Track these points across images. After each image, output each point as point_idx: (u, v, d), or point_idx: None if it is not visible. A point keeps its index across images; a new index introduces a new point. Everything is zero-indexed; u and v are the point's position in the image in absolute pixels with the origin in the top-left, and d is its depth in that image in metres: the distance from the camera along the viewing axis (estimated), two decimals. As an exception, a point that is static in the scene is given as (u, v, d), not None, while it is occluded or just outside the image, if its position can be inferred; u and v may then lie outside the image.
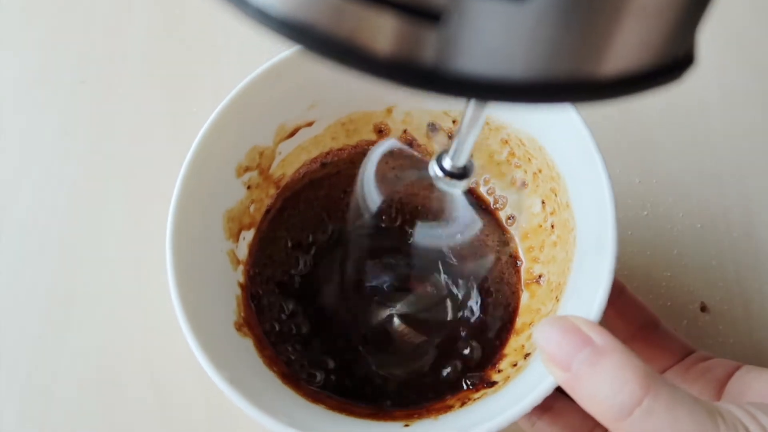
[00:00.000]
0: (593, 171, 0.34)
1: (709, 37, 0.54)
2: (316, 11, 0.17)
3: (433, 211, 0.43)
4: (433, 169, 0.29)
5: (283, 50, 0.37)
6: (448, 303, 0.42)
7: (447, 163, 0.29)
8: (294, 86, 0.39)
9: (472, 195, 0.43)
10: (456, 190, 0.30)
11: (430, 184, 0.30)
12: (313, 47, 0.17)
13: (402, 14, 0.16)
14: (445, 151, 0.29)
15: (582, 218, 0.36)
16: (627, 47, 0.17)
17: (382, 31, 0.17)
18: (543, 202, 0.40)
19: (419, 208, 0.43)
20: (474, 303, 0.41)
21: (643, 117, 0.51)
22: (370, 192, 0.37)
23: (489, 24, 0.16)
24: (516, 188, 0.42)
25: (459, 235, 0.40)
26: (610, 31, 0.17)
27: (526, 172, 0.41)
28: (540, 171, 0.39)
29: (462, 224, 0.38)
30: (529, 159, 0.40)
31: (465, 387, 0.38)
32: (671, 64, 0.19)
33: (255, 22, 0.17)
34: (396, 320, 0.41)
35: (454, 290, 0.42)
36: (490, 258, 0.42)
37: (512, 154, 0.41)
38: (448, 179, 0.29)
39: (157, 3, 0.56)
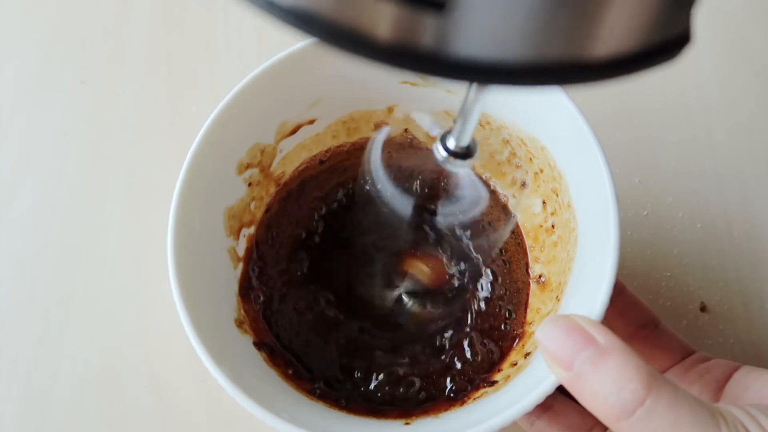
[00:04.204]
0: (595, 171, 0.34)
1: (709, 37, 0.54)
2: (321, 0, 0.17)
3: (440, 191, 0.43)
4: (438, 150, 0.30)
5: (283, 49, 0.37)
6: (456, 289, 0.42)
7: (451, 144, 0.29)
8: (296, 84, 0.39)
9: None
10: (461, 169, 0.30)
11: (435, 165, 0.30)
12: (319, 35, 0.17)
13: (407, 3, 0.17)
14: (448, 132, 0.29)
15: (584, 218, 0.36)
16: (620, 28, 0.18)
17: (386, 19, 0.17)
18: (544, 202, 0.40)
19: (426, 189, 0.43)
20: (483, 289, 0.41)
21: (643, 117, 0.51)
22: (377, 176, 0.37)
23: (488, 10, 0.17)
24: (517, 188, 0.42)
25: (467, 213, 0.40)
26: (604, 13, 0.17)
27: (527, 172, 0.41)
28: (541, 171, 0.39)
29: (469, 202, 0.38)
30: (531, 159, 0.40)
31: (465, 386, 0.38)
32: (666, 43, 0.19)
33: (263, 11, 0.18)
34: (403, 306, 0.41)
35: (462, 272, 0.42)
36: (502, 235, 0.42)
37: (513, 154, 0.41)
38: (452, 159, 0.29)
39: (157, 3, 0.56)
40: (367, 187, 0.38)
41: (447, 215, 0.42)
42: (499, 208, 0.43)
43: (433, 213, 0.43)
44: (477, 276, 0.42)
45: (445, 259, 0.42)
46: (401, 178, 0.42)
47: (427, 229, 0.43)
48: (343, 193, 0.44)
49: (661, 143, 0.50)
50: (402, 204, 0.39)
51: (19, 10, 0.56)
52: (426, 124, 0.43)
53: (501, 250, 0.42)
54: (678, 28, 0.19)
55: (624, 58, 0.18)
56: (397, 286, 0.42)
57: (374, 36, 0.17)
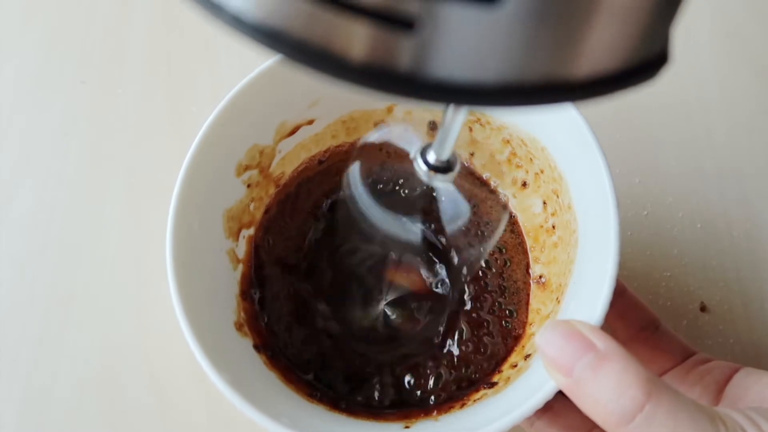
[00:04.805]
0: (596, 174, 0.34)
1: (708, 37, 0.54)
2: (290, 18, 0.17)
3: (421, 205, 0.43)
4: (418, 164, 0.29)
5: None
6: (444, 296, 0.42)
7: (431, 157, 0.29)
8: (295, 84, 0.39)
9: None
10: (441, 183, 0.30)
11: (416, 179, 0.30)
12: (288, 53, 0.17)
13: (375, 22, 0.16)
14: (428, 145, 0.29)
15: (584, 220, 0.36)
16: (599, 49, 0.18)
17: (356, 38, 0.17)
18: (544, 203, 0.40)
19: (408, 204, 0.43)
20: (483, 288, 0.41)
21: (643, 117, 0.51)
22: (359, 195, 0.37)
23: (461, 30, 0.16)
24: (517, 188, 0.42)
25: (449, 226, 0.40)
26: (581, 34, 0.17)
27: (527, 172, 0.41)
28: (542, 171, 0.39)
29: (450, 215, 0.38)
30: (531, 159, 0.40)
31: (465, 388, 0.39)
32: (645, 63, 0.19)
33: (230, 27, 0.17)
34: (393, 316, 0.41)
35: (448, 281, 0.42)
36: (497, 231, 0.42)
37: (513, 154, 0.41)
38: (432, 173, 0.29)
39: (157, 3, 0.56)
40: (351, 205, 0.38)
41: (434, 227, 0.42)
42: (495, 207, 0.43)
43: (422, 223, 0.43)
44: (477, 275, 0.42)
45: (440, 262, 0.42)
46: (383, 191, 0.42)
47: (422, 234, 0.42)
48: (341, 194, 0.44)
49: (661, 143, 0.50)
50: (388, 220, 0.39)
51: (19, 10, 0.56)
52: (405, 142, 0.42)
53: (500, 249, 0.42)
54: (656, 48, 0.19)
55: (603, 78, 0.18)
56: (399, 287, 0.42)
57: (346, 56, 0.17)
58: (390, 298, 0.42)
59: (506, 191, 0.43)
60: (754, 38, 0.54)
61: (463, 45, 0.16)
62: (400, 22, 0.16)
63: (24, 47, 0.54)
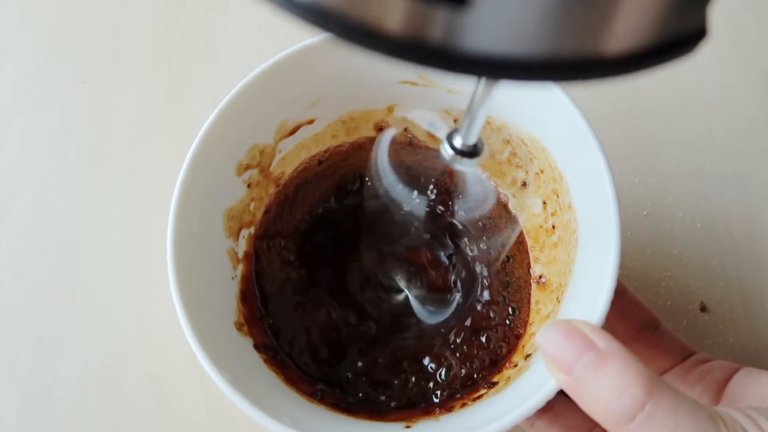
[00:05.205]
0: (597, 174, 0.34)
1: (709, 36, 0.54)
2: None
3: (445, 190, 0.43)
4: (445, 149, 0.29)
5: (283, 49, 0.37)
6: (459, 288, 0.42)
7: (458, 142, 0.29)
8: (295, 84, 0.39)
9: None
10: (468, 168, 0.29)
11: (439, 164, 0.30)
12: (334, 30, 0.17)
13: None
14: (455, 130, 0.29)
15: (585, 220, 0.35)
16: (635, 23, 0.18)
17: (396, 11, 0.17)
18: (544, 203, 0.40)
19: (432, 189, 0.43)
20: (485, 287, 0.41)
21: (643, 117, 0.51)
22: (386, 176, 0.36)
23: (507, 5, 0.16)
24: (517, 188, 0.42)
25: (474, 211, 0.40)
26: (619, 8, 0.17)
27: (527, 172, 0.41)
28: (542, 171, 0.39)
29: (475, 200, 0.38)
30: (531, 159, 0.40)
31: (467, 387, 0.39)
32: (682, 38, 0.19)
33: (280, 9, 0.18)
34: (404, 308, 0.41)
35: (466, 272, 0.42)
36: (508, 237, 0.42)
37: (514, 154, 0.41)
38: (459, 158, 0.29)
39: (157, 3, 0.56)
40: (372, 189, 0.38)
41: (456, 213, 0.41)
42: (505, 214, 0.43)
43: (441, 213, 0.42)
44: (479, 273, 0.42)
45: (446, 262, 0.42)
46: (406, 178, 0.42)
47: (431, 230, 0.42)
48: (341, 193, 0.44)
49: (662, 143, 0.50)
50: (409, 204, 0.39)
51: (19, 10, 0.56)
52: (426, 123, 0.42)
53: (502, 244, 0.42)
54: (694, 23, 0.19)
55: (640, 53, 0.18)
56: (400, 288, 0.42)
57: (387, 29, 0.17)
58: (395, 297, 0.42)
59: (506, 191, 0.43)
60: (754, 38, 0.54)
61: (504, 19, 0.17)
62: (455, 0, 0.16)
63: (24, 47, 0.54)
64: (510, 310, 0.41)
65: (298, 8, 0.17)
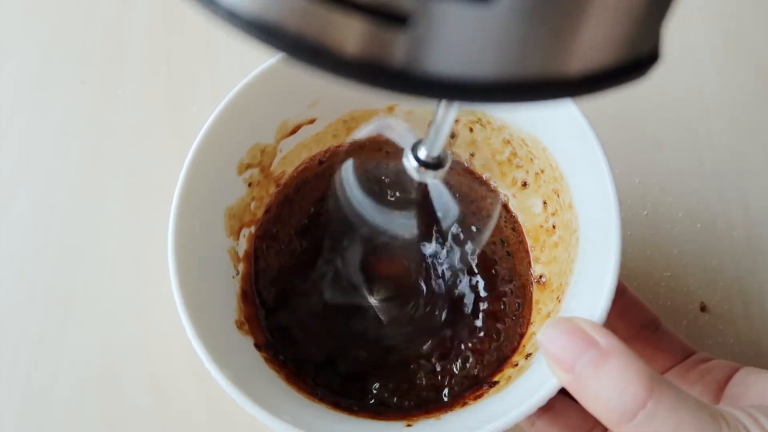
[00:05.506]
0: (597, 173, 0.34)
1: (708, 36, 0.54)
2: (284, 12, 0.17)
3: (411, 201, 0.43)
4: (409, 160, 0.29)
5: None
6: (458, 302, 0.42)
7: (422, 153, 0.28)
8: (296, 84, 0.39)
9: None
10: (431, 180, 0.29)
11: (406, 176, 0.29)
12: (282, 48, 0.17)
13: (369, 17, 0.16)
14: (419, 142, 0.28)
15: (585, 219, 0.36)
16: (592, 46, 0.18)
17: (350, 33, 0.17)
18: (545, 203, 0.40)
19: (397, 200, 0.43)
20: (470, 292, 0.41)
21: (643, 117, 0.51)
22: (352, 194, 0.36)
23: (455, 26, 0.16)
24: (517, 188, 0.42)
25: (442, 223, 0.40)
26: (574, 31, 0.17)
27: (527, 172, 0.41)
28: (542, 171, 0.39)
29: (441, 212, 0.38)
30: (532, 159, 0.40)
31: (468, 386, 0.39)
32: (637, 61, 0.19)
33: (224, 22, 0.17)
34: (405, 307, 0.41)
35: (464, 285, 0.42)
36: (491, 220, 0.42)
37: (514, 154, 0.41)
38: (423, 170, 0.28)
39: (157, 3, 0.56)
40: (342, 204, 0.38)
41: (414, 227, 0.41)
42: (491, 200, 0.43)
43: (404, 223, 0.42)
44: (486, 267, 0.42)
45: (438, 261, 0.42)
46: (375, 189, 0.42)
47: (420, 231, 0.42)
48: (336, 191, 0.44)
49: (661, 143, 0.50)
50: (383, 216, 0.39)
51: (19, 10, 0.56)
52: (398, 135, 0.42)
53: (502, 241, 0.42)
54: (648, 46, 0.19)
55: (596, 74, 0.18)
56: (401, 289, 0.42)
57: (340, 51, 0.17)
58: (395, 296, 0.42)
59: (506, 191, 0.43)
60: (754, 38, 0.54)
61: (456, 41, 0.16)
62: (393, 18, 0.16)
63: (24, 47, 0.54)
64: (518, 303, 0.41)
65: (243, 23, 0.17)
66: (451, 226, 0.42)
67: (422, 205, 0.42)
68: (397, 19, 0.16)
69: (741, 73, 0.52)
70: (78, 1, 0.56)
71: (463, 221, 0.42)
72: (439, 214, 0.38)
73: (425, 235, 0.42)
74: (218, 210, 0.38)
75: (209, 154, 0.36)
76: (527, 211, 0.42)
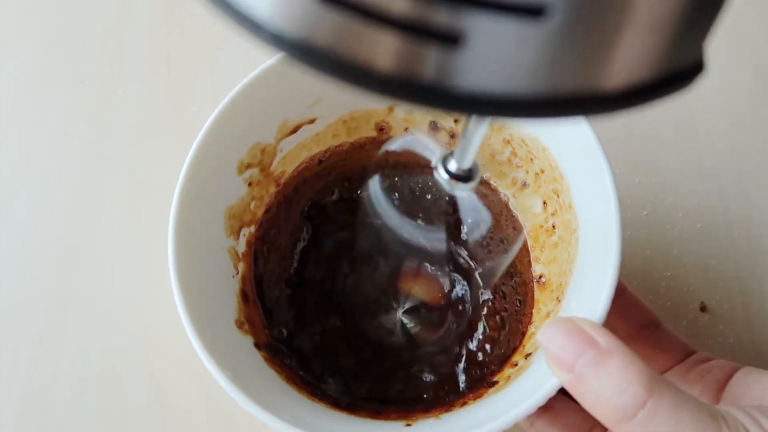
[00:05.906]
0: (598, 173, 0.34)
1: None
2: (320, 28, 0.17)
3: (441, 213, 0.43)
4: (439, 173, 0.29)
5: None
6: (459, 305, 0.42)
7: (452, 166, 0.28)
8: (296, 83, 0.39)
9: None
10: (462, 192, 0.29)
11: (436, 187, 0.29)
12: (323, 68, 0.17)
13: (419, 37, 0.16)
14: (450, 153, 0.29)
15: (585, 219, 0.36)
16: (633, 59, 0.17)
17: (386, 49, 0.17)
18: (544, 203, 0.40)
19: (427, 211, 0.43)
20: (485, 303, 0.41)
21: (643, 117, 0.51)
22: (378, 200, 0.36)
23: (502, 43, 0.16)
24: (517, 188, 0.42)
25: (467, 236, 0.40)
26: (615, 45, 0.17)
27: (527, 172, 0.41)
28: (542, 171, 0.39)
29: (470, 224, 0.38)
30: (531, 159, 0.40)
31: (466, 387, 0.39)
32: (679, 72, 0.19)
33: (270, 45, 0.17)
34: (404, 320, 0.41)
35: (464, 290, 0.42)
36: (505, 259, 0.42)
37: (514, 154, 0.41)
38: (453, 182, 0.29)
39: (157, 3, 0.56)
40: (368, 208, 0.38)
41: (444, 239, 0.41)
42: (508, 225, 0.43)
43: (438, 232, 0.42)
44: (478, 289, 0.42)
45: (456, 271, 0.42)
46: (403, 199, 0.42)
47: (431, 240, 0.42)
48: (340, 194, 0.44)
49: (661, 142, 0.50)
50: (405, 226, 0.39)
51: (19, 10, 0.56)
52: (422, 148, 0.42)
53: (502, 240, 0.42)
54: (691, 57, 0.19)
55: (637, 88, 0.18)
56: (401, 291, 0.42)
57: (374, 66, 0.17)
58: (402, 303, 0.42)
59: (506, 191, 0.43)
60: (754, 37, 0.54)
61: (499, 58, 0.16)
62: (444, 37, 0.16)
63: (24, 47, 0.54)
64: (519, 300, 0.41)
65: (287, 45, 0.17)
66: (483, 236, 0.41)
67: (448, 217, 0.42)
68: (450, 40, 0.16)
69: (741, 73, 0.52)
70: (78, 1, 0.56)
71: (487, 239, 0.43)
72: (470, 225, 0.38)
73: (446, 247, 0.42)
74: (218, 210, 0.38)
75: (209, 154, 0.36)
76: (527, 211, 0.42)
